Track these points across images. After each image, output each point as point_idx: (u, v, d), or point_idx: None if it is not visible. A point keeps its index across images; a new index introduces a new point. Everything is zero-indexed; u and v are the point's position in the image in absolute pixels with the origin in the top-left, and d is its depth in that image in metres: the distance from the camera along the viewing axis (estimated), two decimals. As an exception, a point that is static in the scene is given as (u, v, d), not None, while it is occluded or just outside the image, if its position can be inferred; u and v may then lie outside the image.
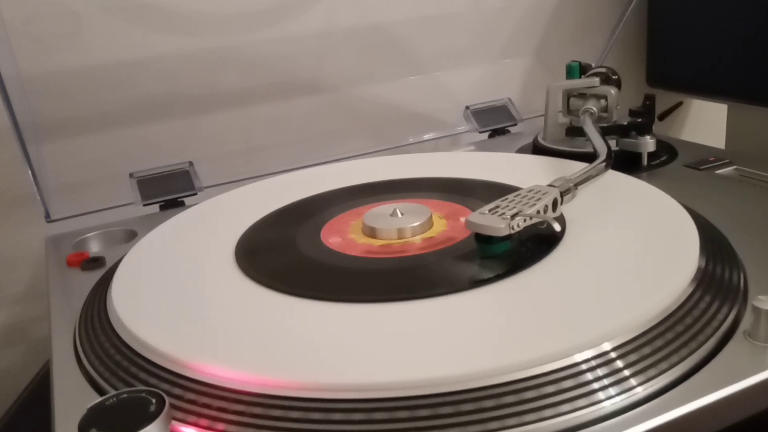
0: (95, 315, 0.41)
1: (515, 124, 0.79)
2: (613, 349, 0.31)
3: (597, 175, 0.48)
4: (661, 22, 0.85)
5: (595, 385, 0.29)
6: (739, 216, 0.47)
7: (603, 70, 0.63)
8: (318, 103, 0.73)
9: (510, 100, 0.82)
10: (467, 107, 0.80)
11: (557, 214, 0.43)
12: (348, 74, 0.74)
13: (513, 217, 0.40)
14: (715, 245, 0.41)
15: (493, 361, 0.30)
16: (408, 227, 0.45)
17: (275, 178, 0.62)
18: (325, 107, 0.74)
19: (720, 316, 0.34)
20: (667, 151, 0.62)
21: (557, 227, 0.40)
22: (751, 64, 0.73)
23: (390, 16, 0.74)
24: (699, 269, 0.37)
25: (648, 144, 0.59)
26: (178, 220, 0.53)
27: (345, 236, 0.46)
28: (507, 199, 0.42)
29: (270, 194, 0.56)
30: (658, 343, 0.32)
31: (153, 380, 0.33)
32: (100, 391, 0.34)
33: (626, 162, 0.58)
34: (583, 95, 0.62)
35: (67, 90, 0.62)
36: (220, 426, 0.30)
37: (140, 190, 0.63)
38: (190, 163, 0.66)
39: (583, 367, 0.30)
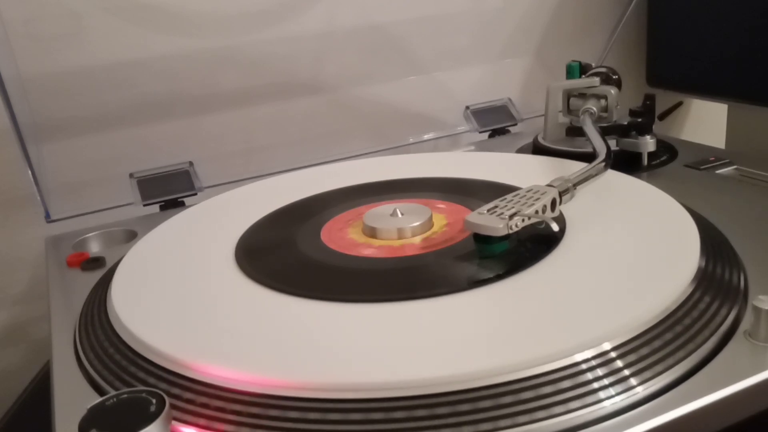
0: (95, 315, 0.41)
1: (515, 124, 0.79)
2: (613, 349, 0.31)
3: (596, 175, 0.48)
4: (661, 22, 0.85)
5: (596, 385, 0.29)
6: (739, 216, 0.47)
7: (603, 70, 0.63)
8: (318, 103, 0.73)
9: (510, 100, 0.82)
10: (467, 107, 0.80)
11: (556, 214, 0.43)
12: (348, 74, 0.74)
13: (511, 217, 0.40)
14: (715, 245, 0.41)
15: (493, 361, 0.30)
16: (408, 227, 0.45)
17: (275, 178, 0.62)
18: (325, 107, 0.74)
19: (720, 316, 0.34)
20: (667, 151, 0.62)
21: (555, 227, 0.40)
22: (751, 64, 0.73)
23: (390, 16, 0.74)
24: (699, 269, 0.37)
25: (648, 144, 0.59)
26: (178, 220, 0.53)
27: (345, 236, 0.46)
28: (506, 199, 0.42)
29: (270, 194, 0.56)
30: (659, 343, 0.32)
31: (153, 380, 0.33)
32: (100, 392, 0.34)
33: (626, 162, 0.58)
34: (583, 95, 0.62)
35: (67, 90, 0.62)
36: (220, 426, 0.30)
37: (140, 190, 0.63)
38: (190, 163, 0.66)
39: (583, 367, 0.30)
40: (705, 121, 0.99)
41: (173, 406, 0.30)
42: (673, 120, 0.97)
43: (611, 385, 0.30)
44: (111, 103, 0.64)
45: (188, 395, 0.31)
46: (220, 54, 0.67)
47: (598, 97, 0.61)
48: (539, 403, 0.29)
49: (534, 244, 0.41)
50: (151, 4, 0.63)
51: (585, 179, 0.47)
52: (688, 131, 0.99)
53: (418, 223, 0.45)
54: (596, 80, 0.61)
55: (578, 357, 0.30)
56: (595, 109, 0.60)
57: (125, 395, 0.29)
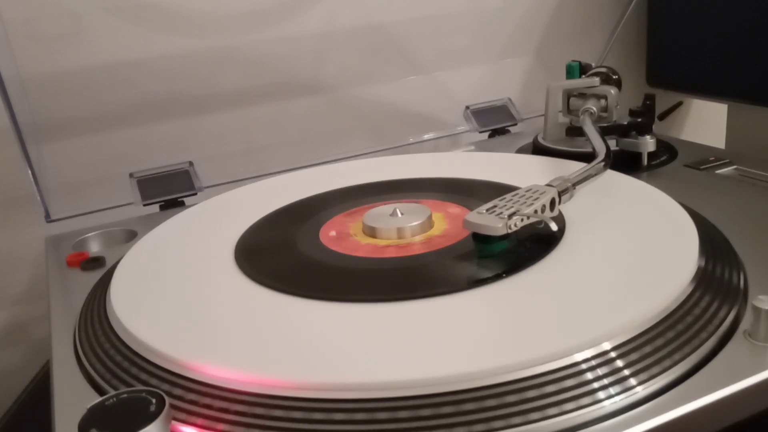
0: (95, 315, 0.41)
1: (515, 124, 0.79)
2: (613, 349, 0.31)
3: (596, 174, 0.48)
4: (661, 22, 0.85)
5: (595, 385, 0.29)
6: (739, 216, 0.47)
7: (603, 70, 0.63)
8: (318, 103, 0.73)
9: (510, 100, 0.82)
10: (467, 107, 0.80)
11: (555, 213, 0.43)
12: (348, 74, 0.74)
13: (510, 216, 0.40)
14: (715, 245, 0.41)
15: (493, 360, 0.30)
16: (408, 227, 0.45)
17: (275, 178, 0.62)
18: (325, 107, 0.74)
19: (720, 316, 0.34)
20: (667, 151, 0.62)
21: (554, 227, 0.40)
22: (751, 64, 0.73)
23: (390, 16, 0.74)
24: (699, 269, 0.37)
25: (648, 144, 0.59)
26: (178, 220, 0.53)
27: (345, 236, 0.46)
28: (505, 198, 0.42)
29: (270, 194, 0.56)
30: (658, 342, 0.32)
31: (153, 380, 0.33)
32: (100, 391, 0.34)
33: (626, 162, 0.58)
34: (583, 95, 0.62)
35: (67, 90, 0.62)
36: (220, 426, 0.30)
37: (140, 190, 0.63)
38: (190, 163, 0.66)
39: (583, 366, 0.30)
40: (705, 121, 0.99)
41: (173, 406, 0.30)
42: (673, 120, 0.97)
43: (611, 384, 0.30)
44: (111, 103, 0.64)
45: (188, 395, 0.31)
46: (220, 54, 0.67)
47: (598, 97, 0.61)
48: (539, 403, 0.29)
49: (533, 244, 0.41)
50: (151, 4, 0.63)
51: (584, 179, 0.47)
52: (688, 131, 0.99)
53: (418, 223, 0.45)
54: (596, 80, 0.61)
55: (578, 357, 0.30)
56: (595, 109, 0.60)
57: (125, 395, 0.29)
